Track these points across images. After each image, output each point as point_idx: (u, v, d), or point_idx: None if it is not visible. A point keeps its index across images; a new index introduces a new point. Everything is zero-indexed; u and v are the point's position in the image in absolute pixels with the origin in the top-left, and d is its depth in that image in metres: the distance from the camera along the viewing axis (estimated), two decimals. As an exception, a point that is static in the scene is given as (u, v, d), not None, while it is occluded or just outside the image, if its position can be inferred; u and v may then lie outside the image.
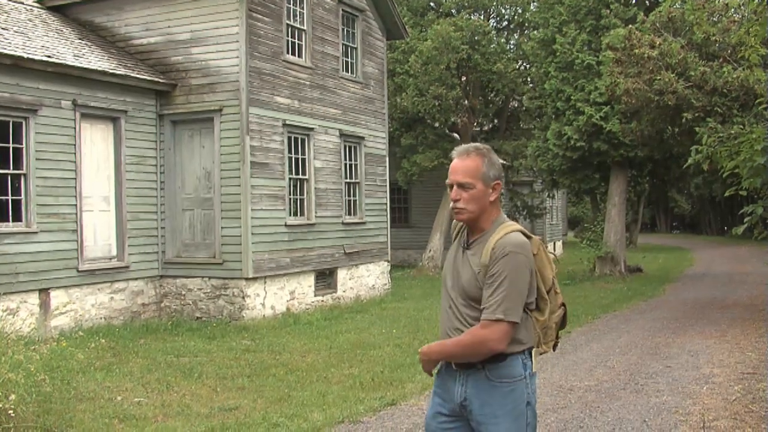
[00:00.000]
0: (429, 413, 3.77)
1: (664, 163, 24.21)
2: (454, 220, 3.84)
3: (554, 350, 3.79)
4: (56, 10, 15.76)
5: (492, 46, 27.45)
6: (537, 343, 3.61)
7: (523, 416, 3.53)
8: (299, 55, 16.26)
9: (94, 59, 14.00)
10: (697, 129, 14.23)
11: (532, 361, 3.59)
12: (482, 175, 3.55)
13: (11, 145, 12.35)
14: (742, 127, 12.41)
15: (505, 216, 3.68)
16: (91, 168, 13.80)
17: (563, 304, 3.70)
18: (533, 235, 3.63)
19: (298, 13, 16.23)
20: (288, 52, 15.82)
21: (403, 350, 11.47)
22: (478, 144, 3.67)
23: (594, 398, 8.45)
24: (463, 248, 3.67)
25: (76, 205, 13.31)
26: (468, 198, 3.55)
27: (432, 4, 30.52)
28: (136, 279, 14.51)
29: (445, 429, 3.68)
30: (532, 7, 29.21)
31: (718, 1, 15.78)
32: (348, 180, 18.01)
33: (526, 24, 30.99)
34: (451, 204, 3.63)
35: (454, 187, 3.58)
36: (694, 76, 15.51)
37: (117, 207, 14.24)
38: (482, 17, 30.41)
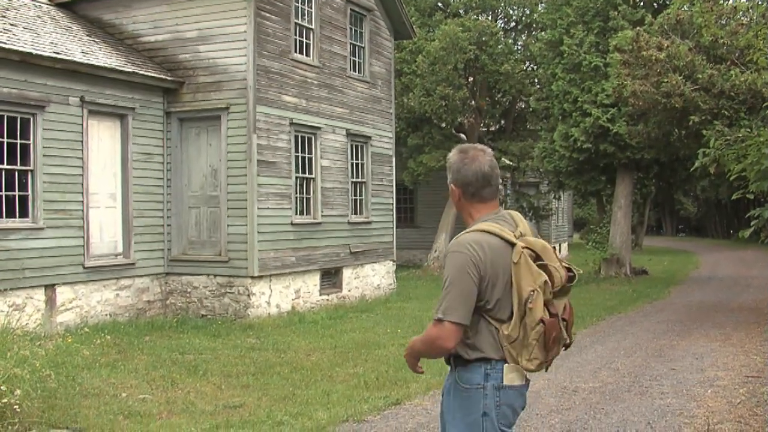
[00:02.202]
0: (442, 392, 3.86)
1: (670, 166, 24.18)
2: None
3: (546, 370, 3.58)
4: (65, 7, 15.79)
5: (499, 46, 27.42)
6: (512, 359, 3.44)
7: (478, 426, 3.46)
8: (307, 54, 16.27)
9: (102, 56, 14.03)
10: (704, 132, 14.21)
11: (502, 374, 3.46)
12: (450, 176, 3.70)
13: (19, 141, 12.38)
14: (749, 130, 12.38)
15: (495, 217, 3.58)
16: (98, 165, 13.83)
17: (542, 321, 3.38)
18: (518, 242, 3.46)
19: (306, 12, 16.24)
20: (296, 51, 15.83)
21: (408, 350, 11.45)
22: (462, 144, 3.73)
23: (598, 400, 8.45)
24: None
25: (82, 201, 13.34)
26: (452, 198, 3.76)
27: (440, 4, 30.50)
28: (141, 276, 14.54)
29: None
30: (539, 8, 29.16)
31: (727, 4, 15.76)
32: (354, 179, 18.02)
33: (534, 25, 30.94)
34: None
35: None
36: (701, 79, 15.48)
37: (123, 204, 14.27)
38: (490, 18, 30.38)
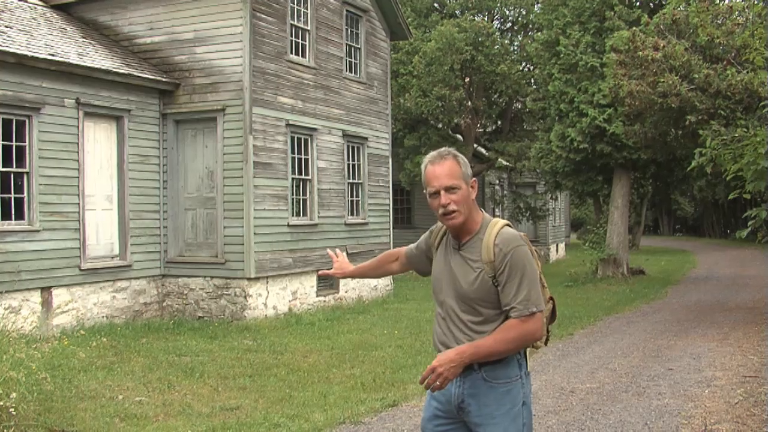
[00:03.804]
0: (425, 416, 3.75)
1: (667, 166, 24.20)
2: (434, 229, 3.86)
3: (546, 344, 3.80)
4: (60, 8, 15.77)
5: (496, 47, 27.45)
6: None
7: (519, 416, 3.54)
8: (303, 56, 16.26)
9: (98, 58, 14.01)
10: (700, 132, 14.21)
11: (526, 360, 3.61)
12: (463, 175, 3.56)
13: (14, 144, 12.35)
14: (746, 130, 12.39)
15: (487, 214, 3.70)
16: (94, 167, 13.81)
17: (551, 298, 3.71)
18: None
19: (302, 13, 16.23)
20: (292, 52, 15.82)
21: (405, 351, 11.47)
22: (445, 148, 3.68)
23: (596, 401, 8.44)
24: (455, 249, 3.63)
25: (78, 203, 13.31)
26: (458, 200, 3.53)
27: (436, 5, 30.52)
28: (138, 278, 14.51)
29: (441, 431, 3.68)
30: (536, 9, 29.18)
31: (722, 4, 15.77)
32: (351, 180, 18.01)
33: (530, 25, 30.98)
34: (441, 211, 3.54)
35: (442, 193, 3.52)
36: (697, 79, 15.49)
37: (120, 206, 14.25)
38: (486, 18, 30.40)
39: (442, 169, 3.54)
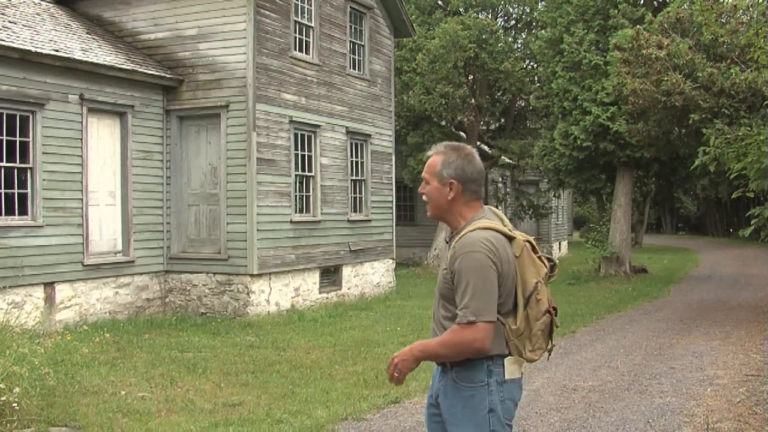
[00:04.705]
0: (427, 402, 3.82)
1: (670, 164, 24.17)
2: None
3: (548, 358, 3.73)
4: (64, 4, 15.77)
5: (499, 45, 27.42)
6: (517, 351, 3.49)
7: (485, 423, 3.48)
8: (306, 52, 16.26)
9: (102, 54, 14.02)
10: (704, 130, 14.19)
11: (503, 368, 3.51)
12: (437, 173, 3.59)
13: (18, 139, 12.37)
14: (749, 128, 12.39)
15: (487, 215, 3.60)
16: (98, 162, 13.82)
17: (549, 311, 3.54)
18: (519, 236, 3.54)
19: (305, 10, 16.23)
20: (295, 49, 15.82)
21: (407, 348, 11.45)
22: (448, 142, 3.70)
23: (598, 398, 8.44)
24: (446, 244, 3.67)
25: (82, 199, 13.33)
26: (427, 193, 3.62)
27: (440, 2, 30.48)
28: (141, 274, 14.53)
29: (434, 420, 3.72)
30: (540, 7, 29.14)
31: (727, 3, 15.74)
32: (354, 177, 18.01)
33: (534, 23, 30.92)
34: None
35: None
36: (701, 77, 15.47)
37: (123, 202, 14.26)
38: (490, 16, 30.36)
39: (428, 161, 3.65)
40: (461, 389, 3.51)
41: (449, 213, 3.62)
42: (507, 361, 3.51)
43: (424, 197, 3.67)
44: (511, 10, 31.62)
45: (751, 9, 14.98)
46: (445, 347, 3.44)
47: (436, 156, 3.62)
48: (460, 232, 3.54)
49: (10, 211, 12.29)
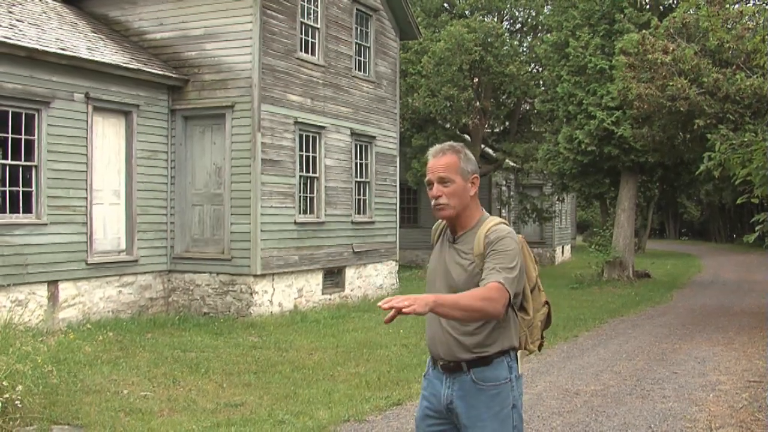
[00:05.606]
0: (418, 415, 3.77)
1: (674, 169, 24.16)
2: (435, 224, 3.87)
3: (539, 350, 3.79)
4: (71, 3, 15.80)
5: (505, 48, 27.44)
6: (523, 343, 3.62)
7: (509, 419, 3.52)
8: (312, 53, 16.28)
9: (108, 53, 14.04)
10: (708, 136, 14.19)
11: (517, 363, 3.58)
12: (460, 170, 3.57)
13: (23, 137, 12.39)
14: (754, 134, 12.38)
15: (489, 214, 3.71)
16: (102, 161, 13.84)
17: (547, 302, 3.73)
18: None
19: (312, 11, 16.25)
20: (301, 50, 15.83)
21: (410, 350, 11.48)
22: (451, 142, 3.71)
23: (600, 403, 8.44)
24: (450, 243, 3.66)
25: (86, 198, 13.35)
26: (449, 193, 3.56)
27: (446, 5, 30.50)
28: (144, 273, 14.55)
29: (433, 431, 3.69)
30: (545, 10, 29.16)
31: (733, 9, 15.72)
32: (358, 179, 18.02)
33: (540, 27, 30.95)
34: (432, 202, 3.61)
35: (434, 185, 3.58)
36: (706, 83, 15.46)
37: (127, 201, 14.28)
38: (495, 19, 30.38)
39: (440, 161, 3.59)
40: (484, 389, 3.51)
41: (467, 211, 3.62)
42: (519, 354, 3.61)
43: (440, 198, 3.55)
44: (516, 13, 31.67)
45: (757, 15, 14.94)
46: (470, 299, 3.25)
47: (451, 155, 3.59)
48: (476, 227, 3.57)
49: (14, 209, 12.31)
